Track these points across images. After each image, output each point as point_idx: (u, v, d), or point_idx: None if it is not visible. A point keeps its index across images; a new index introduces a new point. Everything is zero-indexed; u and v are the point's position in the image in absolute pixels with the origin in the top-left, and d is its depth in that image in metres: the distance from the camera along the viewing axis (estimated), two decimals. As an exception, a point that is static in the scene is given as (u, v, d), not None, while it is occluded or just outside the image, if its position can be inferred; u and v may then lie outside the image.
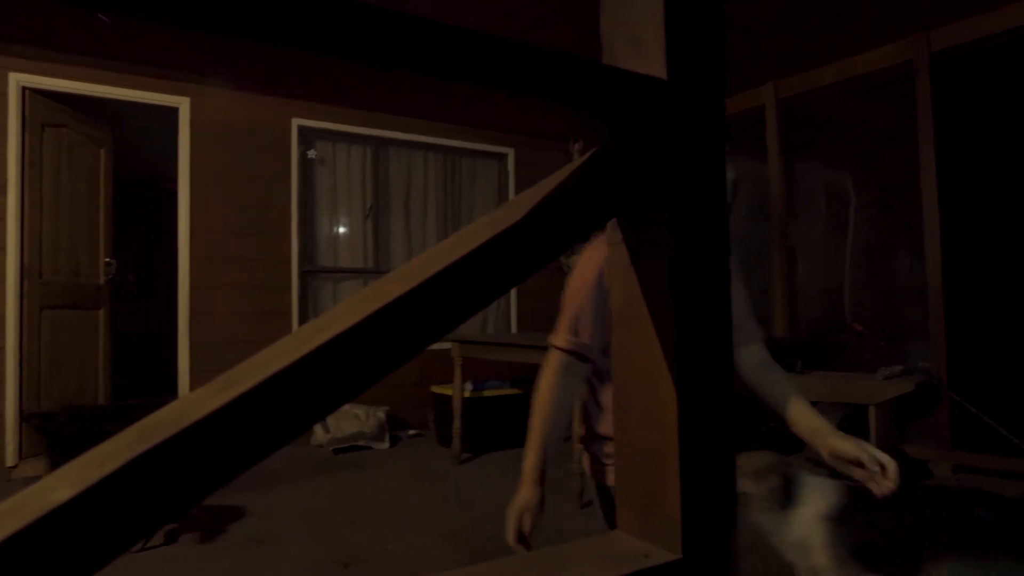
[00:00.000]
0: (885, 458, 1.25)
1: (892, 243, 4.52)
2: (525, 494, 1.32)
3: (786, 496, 1.78)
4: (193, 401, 0.35)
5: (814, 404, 1.42)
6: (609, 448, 1.36)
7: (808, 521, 1.76)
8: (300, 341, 0.42)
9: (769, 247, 5.15)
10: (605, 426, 1.39)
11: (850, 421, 3.75)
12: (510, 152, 6.23)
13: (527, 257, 0.55)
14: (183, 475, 0.33)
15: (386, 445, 5.00)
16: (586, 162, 0.61)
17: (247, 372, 0.37)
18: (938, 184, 4.16)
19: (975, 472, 3.93)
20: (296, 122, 5.19)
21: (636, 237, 0.63)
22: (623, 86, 0.59)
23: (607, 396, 1.33)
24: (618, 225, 0.65)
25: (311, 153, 5.34)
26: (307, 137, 5.32)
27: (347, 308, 0.46)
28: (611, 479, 1.35)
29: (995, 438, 3.48)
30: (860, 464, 1.27)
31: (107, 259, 5.03)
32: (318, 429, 4.91)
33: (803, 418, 1.38)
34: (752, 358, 1.45)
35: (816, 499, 1.76)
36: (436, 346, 4.98)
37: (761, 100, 5.18)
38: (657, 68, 0.61)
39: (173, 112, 4.76)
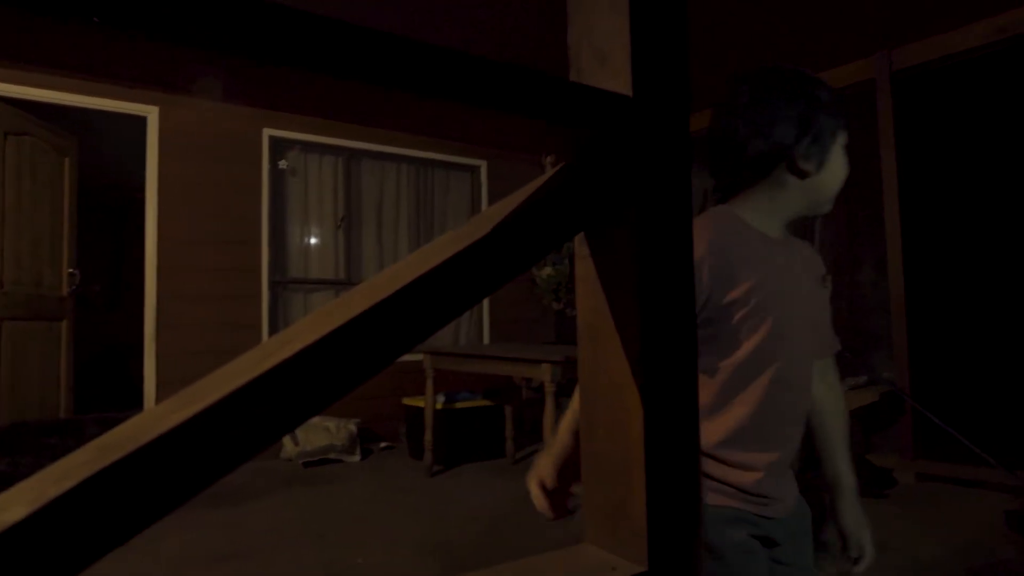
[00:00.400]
0: (868, 552, 1.26)
1: (857, 256, 4.62)
2: (542, 455, 1.15)
3: None
4: (154, 417, 0.35)
5: None
6: None
7: None
8: (264, 355, 0.42)
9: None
10: None
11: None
12: (483, 164, 6.25)
13: (494, 271, 0.55)
14: (144, 491, 0.33)
15: (357, 458, 4.95)
16: (553, 177, 0.62)
17: (209, 387, 0.37)
18: (899, 198, 4.27)
19: (938, 480, 4.02)
20: (267, 132, 5.16)
21: (603, 251, 0.64)
22: (589, 103, 0.59)
23: None
24: (585, 239, 0.66)
25: (282, 164, 5.31)
26: (278, 148, 5.28)
27: (312, 322, 0.46)
28: None
29: (957, 447, 3.56)
30: (844, 538, 1.28)
31: (71, 270, 4.93)
32: (288, 442, 4.85)
33: (830, 463, 1.31)
34: (818, 372, 1.33)
35: None
36: (408, 358, 4.96)
37: (730, 115, 5.27)
38: (623, 84, 0.62)
39: (141, 121, 4.69)
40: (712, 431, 1.12)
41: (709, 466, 1.13)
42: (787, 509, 1.18)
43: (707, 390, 1.13)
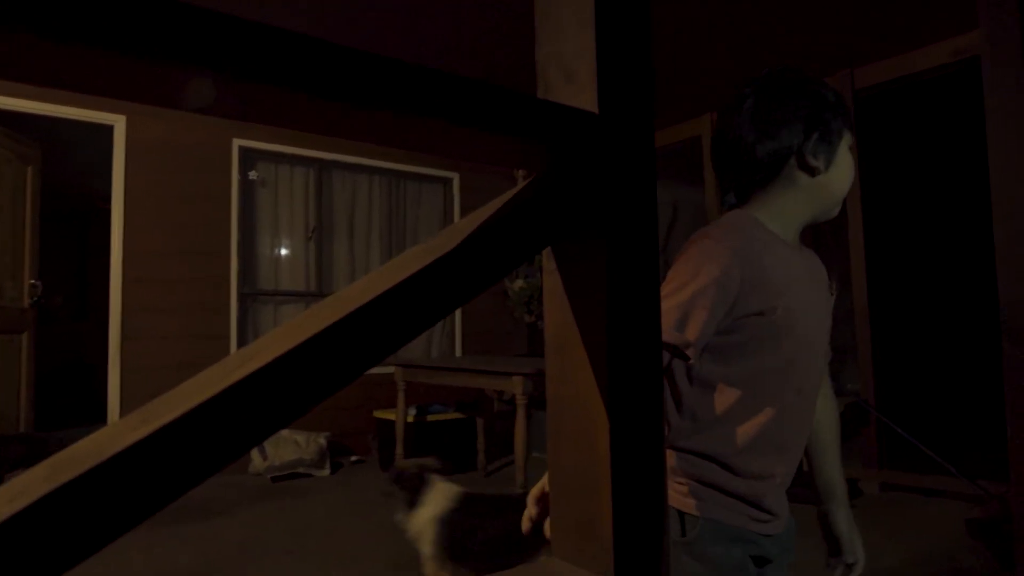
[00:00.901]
0: (860, 557, 1.28)
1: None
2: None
3: (417, 497, 2.28)
4: (114, 433, 0.34)
5: None
6: (682, 464, 1.15)
7: (424, 520, 2.24)
8: (229, 369, 0.42)
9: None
10: (685, 438, 1.15)
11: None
12: (455, 176, 6.26)
13: (463, 284, 0.55)
14: (100, 511, 0.32)
15: (327, 472, 4.89)
16: (521, 191, 0.63)
17: (171, 403, 0.37)
18: (863, 212, 4.37)
19: (902, 489, 4.09)
20: (237, 142, 5.11)
21: (569, 265, 0.65)
22: (556, 119, 0.60)
23: (699, 403, 1.14)
24: (552, 253, 0.67)
25: (252, 174, 5.26)
26: (249, 158, 5.23)
27: (279, 335, 0.46)
28: (677, 501, 1.14)
29: (921, 457, 3.63)
30: (839, 545, 1.29)
31: (33, 281, 4.82)
32: (256, 456, 4.77)
33: (824, 470, 1.30)
34: None
35: (434, 502, 2.26)
36: (379, 370, 4.93)
37: (699, 130, 5.35)
38: (589, 101, 0.64)
39: (108, 130, 4.62)
40: (735, 438, 1.12)
41: (720, 477, 1.12)
42: (783, 525, 1.18)
43: (730, 397, 1.12)
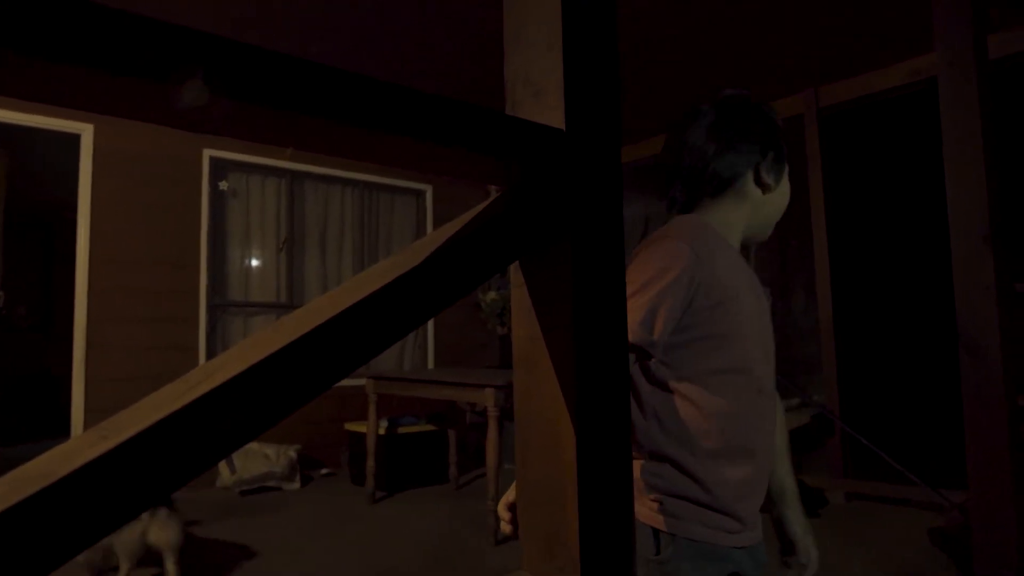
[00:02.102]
0: (814, 557, 1.28)
1: (789, 282, 4.78)
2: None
3: None
4: (71, 450, 0.34)
5: None
6: (653, 478, 1.15)
7: None
8: (192, 384, 0.42)
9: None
10: (652, 443, 1.15)
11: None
12: (428, 188, 6.25)
13: (428, 299, 0.56)
14: (54, 531, 0.32)
15: (297, 485, 4.83)
16: (489, 206, 0.64)
17: (131, 418, 0.37)
18: (827, 227, 4.45)
19: (867, 499, 4.15)
20: (208, 153, 5.05)
21: (537, 280, 0.66)
22: (524, 136, 0.61)
23: (662, 406, 1.14)
24: (520, 268, 0.67)
25: (223, 185, 5.20)
26: (219, 168, 5.17)
27: (243, 349, 0.46)
28: (650, 518, 1.14)
29: (885, 466, 3.69)
30: (793, 546, 1.29)
31: (-6, 291, 4.70)
32: (224, 469, 4.69)
33: (777, 475, 1.31)
34: None
35: None
36: (350, 382, 4.89)
37: (670, 144, 5.42)
38: (556, 118, 0.64)
39: (75, 139, 4.54)
40: (702, 442, 1.12)
41: (691, 488, 1.12)
42: (757, 537, 1.18)
43: (692, 398, 1.12)
